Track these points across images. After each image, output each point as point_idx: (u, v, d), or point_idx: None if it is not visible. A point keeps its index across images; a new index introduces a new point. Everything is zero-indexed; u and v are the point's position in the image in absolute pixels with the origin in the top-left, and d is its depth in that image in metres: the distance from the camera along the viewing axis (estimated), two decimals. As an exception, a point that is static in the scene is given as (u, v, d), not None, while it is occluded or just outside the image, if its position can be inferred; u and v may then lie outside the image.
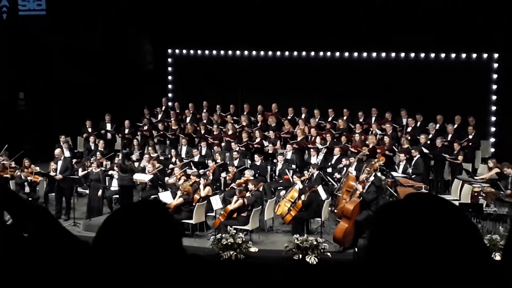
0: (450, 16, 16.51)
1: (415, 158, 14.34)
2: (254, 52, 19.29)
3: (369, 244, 1.38)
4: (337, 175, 14.34)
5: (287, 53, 18.99)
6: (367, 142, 15.52)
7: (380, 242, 1.36)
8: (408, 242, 1.31)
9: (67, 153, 14.35)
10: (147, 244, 1.50)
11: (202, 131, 17.19)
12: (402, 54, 18.19)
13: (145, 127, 17.71)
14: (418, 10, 16.69)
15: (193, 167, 14.93)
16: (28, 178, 13.47)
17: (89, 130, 17.58)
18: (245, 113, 18.21)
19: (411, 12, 16.75)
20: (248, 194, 12.44)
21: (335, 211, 13.20)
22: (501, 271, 1.46)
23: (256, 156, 15.23)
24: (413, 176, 13.83)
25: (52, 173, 13.55)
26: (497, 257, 10.49)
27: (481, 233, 1.42)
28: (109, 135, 17.84)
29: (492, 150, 17.23)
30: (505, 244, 1.56)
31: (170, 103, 19.75)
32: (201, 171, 14.42)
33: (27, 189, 13.48)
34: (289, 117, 17.80)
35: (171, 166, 14.91)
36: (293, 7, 17.51)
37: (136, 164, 14.42)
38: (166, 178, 14.00)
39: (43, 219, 1.56)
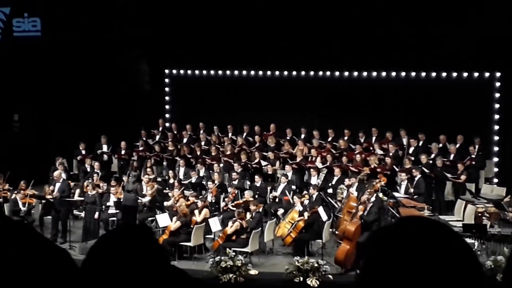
0: (451, 34, 16.71)
1: (416, 178, 14.44)
2: (252, 72, 19.47)
3: (362, 269, 1.40)
4: (339, 198, 14.42)
5: (285, 72, 19.17)
6: (368, 162, 15.64)
7: (372, 268, 1.37)
8: (400, 267, 1.32)
9: (63, 176, 14.44)
10: (134, 273, 1.50)
11: (199, 152, 17.31)
12: (403, 73, 18.36)
13: (141, 148, 17.81)
14: (419, 29, 16.88)
15: (191, 189, 15.03)
16: (21, 201, 13.57)
17: (83, 152, 17.70)
18: (244, 134, 18.36)
19: (412, 31, 16.94)
20: (248, 216, 12.52)
21: (336, 232, 13.26)
22: None
23: (256, 177, 15.35)
24: (415, 197, 13.92)
25: (48, 196, 13.64)
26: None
27: (477, 256, 1.41)
28: (105, 157, 17.94)
29: (496, 170, 17.33)
30: (505, 267, 1.57)
31: (167, 124, 19.89)
32: (202, 194, 14.55)
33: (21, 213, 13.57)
34: (288, 138, 17.93)
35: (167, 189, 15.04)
36: (292, 26, 17.71)
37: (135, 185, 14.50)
38: (165, 203, 14.07)
39: (26, 234, 1.51)
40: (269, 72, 19.34)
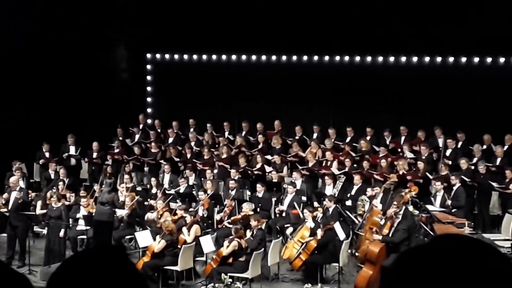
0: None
1: (455, 188, 14.46)
2: (253, 57, 19.50)
3: None
4: (359, 211, 14.44)
5: (294, 57, 19.19)
6: (396, 168, 15.65)
7: None
8: None
9: (21, 183, 14.45)
10: None
11: (189, 155, 17.33)
12: (439, 59, 18.32)
13: (117, 150, 17.84)
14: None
15: (178, 200, 15.05)
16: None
17: (47, 155, 17.72)
18: (243, 132, 18.37)
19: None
20: (248, 234, 12.52)
21: (357, 254, 13.28)
22: None
23: (258, 185, 15.35)
24: (453, 210, 13.93)
25: (2, 209, 13.63)
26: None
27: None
28: (73, 161, 17.96)
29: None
30: None
31: (149, 121, 19.91)
32: (192, 207, 14.56)
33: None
34: (297, 137, 17.94)
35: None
36: (303, 2, 17.72)
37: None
38: (147, 217, 14.08)
39: None
40: (274, 57, 19.36)
